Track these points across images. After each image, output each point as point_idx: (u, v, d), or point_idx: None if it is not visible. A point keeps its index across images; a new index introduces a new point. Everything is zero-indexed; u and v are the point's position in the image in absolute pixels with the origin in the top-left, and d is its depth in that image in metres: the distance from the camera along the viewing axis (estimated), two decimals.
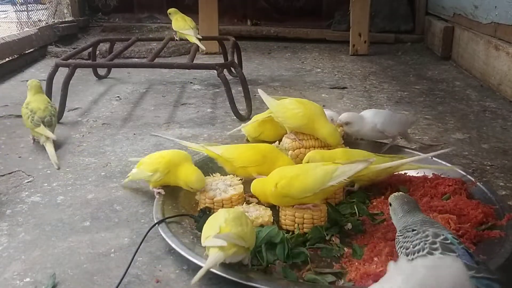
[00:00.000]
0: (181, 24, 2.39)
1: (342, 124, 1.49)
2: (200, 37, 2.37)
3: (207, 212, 1.16)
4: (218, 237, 0.92)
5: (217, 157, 1.34)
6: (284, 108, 1.46)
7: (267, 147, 1.35)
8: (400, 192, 1.02)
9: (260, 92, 1.54)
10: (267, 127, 1.58)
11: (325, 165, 1.14)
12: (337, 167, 1.12)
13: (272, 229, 1.07)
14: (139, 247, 1.05)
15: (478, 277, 0.79)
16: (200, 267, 0.96)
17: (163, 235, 1.06)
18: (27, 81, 2.61)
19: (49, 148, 1.61)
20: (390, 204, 0.99)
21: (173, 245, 1.02)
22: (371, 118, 1.50)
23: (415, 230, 0.89)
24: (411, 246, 0.87)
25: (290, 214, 1.13)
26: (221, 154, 1.32)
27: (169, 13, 2.48)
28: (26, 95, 1.74)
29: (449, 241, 0.85)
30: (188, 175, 1.24)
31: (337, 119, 1.55)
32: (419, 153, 1.49)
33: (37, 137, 1.68)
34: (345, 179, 1.11)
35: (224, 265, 0.95)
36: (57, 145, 1.69)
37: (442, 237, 0.86)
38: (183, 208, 1.21)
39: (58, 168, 1.52)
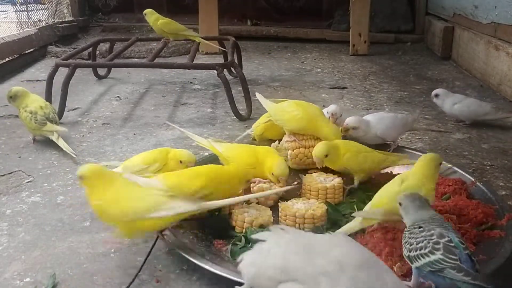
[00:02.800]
0: (177, 26, 2.38)
1: (349, 128, 1.48)
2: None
3: (215, 213, 1.16)
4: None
5: (219, 154, 1.35)
6: (282, 111, 1.46)
7: (263, 149, 1.34)
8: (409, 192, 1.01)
9: (258, 96, 1.54)
10: (267, 128, 1.59)
11: (159, 195, 1.02)
12: (168, 201, 1.00)
13: None
14: (151, 250, 1.05)
15: (473, 284, 0.79)
16: (200, 267, 0.96)
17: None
18: (27, 81, 2.65)
19: (61, 142, 1.64)
20: (400, 204, 0.96)
21: (173, 245, 1.02)
22: (374, 125, 1.50)
23: (421, 227, 0.89)
24: (415, 242, 0.87)
25: (290, 215, 1.13)
26: (222, 152, 1.33)
27: (151, 13, 2.40)
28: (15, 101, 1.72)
29: (453, 244, 0.84)
30: (178, 151, 1.29)
31: (338, 112, 1.56)
32: (420, 153, 1.49)
33: (44, 135, 1.69)
34: (171, 215, 0.99)
35: (224, 264, 0.95)
36: (57, 145, 1.69)
37: (446, 238, 0.85)
38: None
39: (76, 155, 1.59)
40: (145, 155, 1.31)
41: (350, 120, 1.49)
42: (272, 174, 1.24)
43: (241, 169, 1.20)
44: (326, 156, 1.27)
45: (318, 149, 1.28)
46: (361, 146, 1.36)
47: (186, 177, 1.13)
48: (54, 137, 1.66)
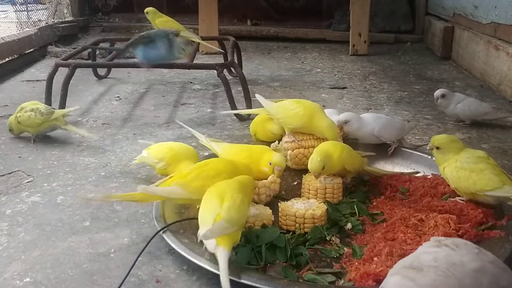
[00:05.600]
0: (174, 25, 2.37)
1: (341, 124, 1.49)
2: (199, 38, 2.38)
3: None
4: (206, 237, 0.93)
5: (218, 155, 1.35)
6: (284, 109, 1.46)
7: (258, 148, 1.34)
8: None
9: (258, 96, 1.56)
10: (259, 129, 1.61)
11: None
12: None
13: (274, 231, 1.06)
14: (144, 247, 1.05)
15: None
16: (200, 267, 0.96)
17: (163, 235, 1.06)
18: (27, 81, 2.65)
19: (72, 128, 1.71)
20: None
21: (173, 245, 1.02)
22: (370, 122, 1.51)
23: None
24: None
25: (290, 215, 1.13)
26: (219, 152, 1.34)
27: (147, 12, 2.36)
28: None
29: None
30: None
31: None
32: (420, 153, 1.50)
33: (52, 126, 1.72)
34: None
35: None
36: (57, 145, 1.70)
37: None
38: (183, 207, 1.20)
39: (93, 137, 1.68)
40: (158, 150, 1.37)
41: (342, 115, 1.52)
42: (270, 164, 1.24)
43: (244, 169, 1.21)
44: (323, 168, 1.23)
45: (313, 165, 1.23)
46: (348, 147, 1.35)
47: (206, 177, 1.12)
48: (62, 124, 1.71)
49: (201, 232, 0.96)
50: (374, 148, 1.51)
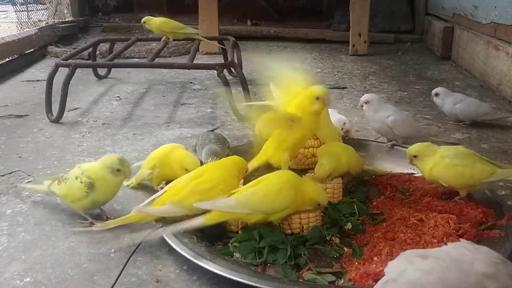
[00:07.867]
0: (176, 24, 2.37)
1: (362, 104, 1.56)
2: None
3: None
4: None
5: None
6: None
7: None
8: None
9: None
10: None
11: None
12: None
13: (278, 234, 1.06)
14: (136, 248, 1.05)
15: None
16: (200, 267, 0.96)
17: (163, 235, 1.06)
18: (27, 81, 2.65)
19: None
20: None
21: (173, 245, 1.02)
22: (390, 109, 1.56)
23: None
24: None
25: (295, 218, 1.11)
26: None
27: (148, 20, 2.40)
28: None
29: None
30: (182, 157, 1.29)
31: (346, 122, 1.61)
32: None
33: None
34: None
35: (225, 265, 0.96)
36: (57, 145, 1.70)
37: None
38: None
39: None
40: (147, 161, 1.34)
41: (364, 96, 1.59)
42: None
43: (237, 159, 1.19)
44: (328, 176, 1.25)
45: (321, 172, 1.24)
46: (353, 149, 1.35)
47: (202, 191, 1.08)
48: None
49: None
50: (373, 148, 1.51)
